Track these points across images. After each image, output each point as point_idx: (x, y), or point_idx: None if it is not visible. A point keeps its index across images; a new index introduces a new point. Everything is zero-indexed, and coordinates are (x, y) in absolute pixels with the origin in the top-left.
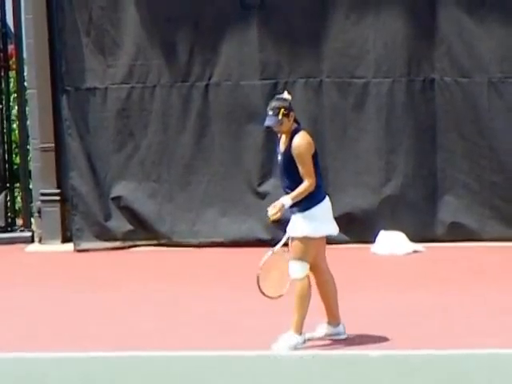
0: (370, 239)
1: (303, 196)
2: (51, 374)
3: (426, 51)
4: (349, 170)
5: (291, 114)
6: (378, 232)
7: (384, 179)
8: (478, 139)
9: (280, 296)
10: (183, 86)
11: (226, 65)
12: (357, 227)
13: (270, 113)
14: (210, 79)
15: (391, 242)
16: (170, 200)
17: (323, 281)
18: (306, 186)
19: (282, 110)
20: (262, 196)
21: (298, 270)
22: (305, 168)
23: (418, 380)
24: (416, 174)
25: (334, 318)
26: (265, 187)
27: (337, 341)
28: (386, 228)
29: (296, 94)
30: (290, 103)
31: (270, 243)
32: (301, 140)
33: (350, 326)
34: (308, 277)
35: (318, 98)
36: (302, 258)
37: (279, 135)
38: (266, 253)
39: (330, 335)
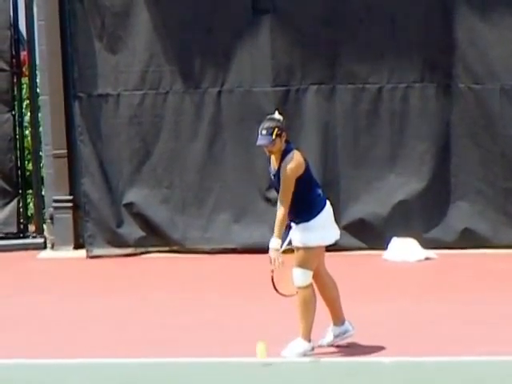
0: (383, 246)
1: (284, 224)
2: (62, 380)
3: (440, 57)
4: (361, 176)
5: (283, 134)
6: (391, 239)
7: (397, 185)
8: (491, 146)
9: (296, 293)
10: (196, 93)
11: (238, 71)
12: (369, 234)
13: (264, 132)
14: (222, 86)
15: (403, 249)
16: (182, 206)
17: (323, 283)
18: (280, 217)
19: (276, 130)
20: (274, 202)
21: (302, 278)
22: (283, 193)
23: None
24: (429, 180)
25: (338, 319)
26: (274, 193)
27: (348, 347)
28: (399, 235)
29: (308, 100)
30: (282, 123)
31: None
32: (291, 164)
33: (362, 333)
34: (312, 284)
35: (330, 105)
36: (305, 266)
37: (268, 154)
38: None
39: (339, 335)
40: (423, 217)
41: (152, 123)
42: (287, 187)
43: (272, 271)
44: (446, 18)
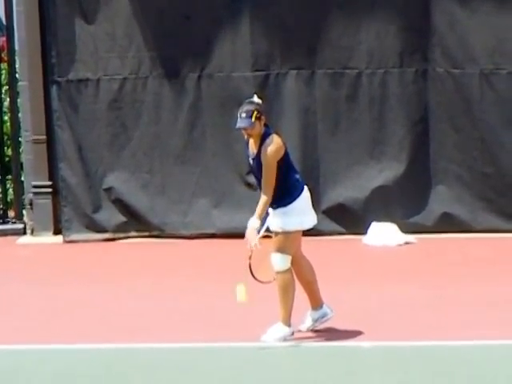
0: (362, 231)
1: (266, 207)
2: (39, 367)
3: (419, 42)
4: (341, 161)
5: (262, 117)
6: (370, 223)
7: (376, 170)
8: (470, 131)
9: (274, 279)
10: (175, 78)
11: (218, 56)
12: (349, 218)
13: (243, 115)
14: (202, 71)
15: (383, 234)
16: (161, 191)
17: (299, 267)
18: (264, 201)
19: (255, 112)
20: (254, 188)
21: (281, 262)
22: (266, 177)
23: (410, 371)
24: (408, 165)
25: (316, 302)
26: (253, 178)
27: (328, 332)
28: (378, 219)
29: (288, 85)
30: (261, 107)
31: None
32: (271, 147)
33: (342, 317)
34: (290, 269)
35: (309, 90)
36: (283, 251)
37: (247, 138)
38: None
39: (318, 319)
40: (402, 201)
41: (132, 108)
42: (270, 170)
43: (250, 257)
44: (424, 2)
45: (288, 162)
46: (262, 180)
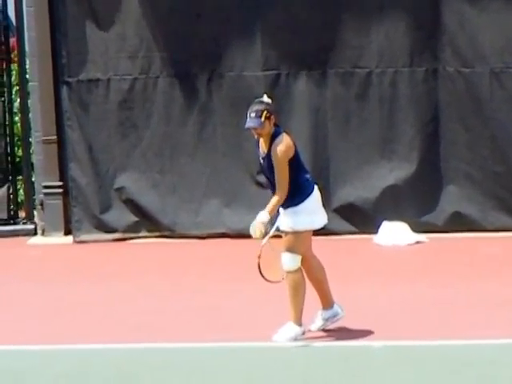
0: (373, 230)
1: (279, 205)
2: (48, 367)
3: (429, 41)
4: (351, 160)
5: (272, 117)
6: (381, 223)
7: (387, 170)
8: (481, 129)
9: (282, 279)
10: (186, 78)
11: (228, 56)
12: (359, 217)
13: (253, 115)
14: (212, 71)
15: (394, 233)
16: (172, 191)
17: (309, 266)
18: (277, 199)
19: (265, 112)
20: (266, 186)
21: (291, 262)
22: (279, 176)
23: (421, 371)
24: (419, 164)
25: (327, 302)
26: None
27: (339, 332)
28: (389, 218)
29: (298, 84)
30: (271, 106)
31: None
32: (281, 146)
33: (353, 317)
34: (301, 268)
35: (320, 89)
36: (294, 251)
37: (257, 137)
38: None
39: (328, 319)
40: (413, 201)
41: (142, 108)
42: (282, 170)
43: (259, 256)
44: (434, 1)
45: (298, 161)
46: (276, 179)
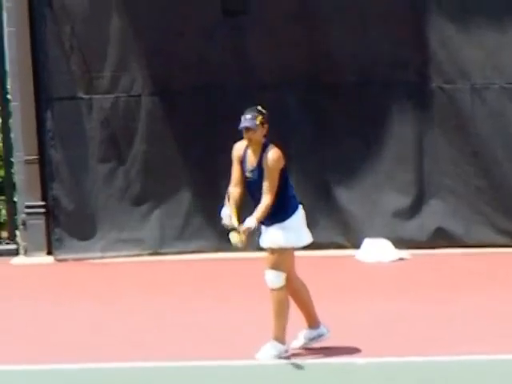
0: (356, 246)
1: (266, 213)
2: None
3: (411, 57)
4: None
5: (265, 125)
6: (363, 239)
7: (369, 185)
8: (463, 145)
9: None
10: (168, 95)
11: (211, 72)
12: (342, 233)
13: (248, 117)
14: (194, 87)
15: (377, 250)
16: (156, 209)
17: (294, 289)
18: (267, 203)
19: (260, 118)
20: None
21: (276, 280)
22: (271, 183)
23: None
24: (402, 179)
25: (313, 321)
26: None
27: (322, 349)
28: (371, 235)
29: (284, 99)
30: (265, 115)
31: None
32: (275, 155)
33: (337, 334)
34: (285, 286)
35: (304, 103)
36: (278, 268)
37: (245, 147)
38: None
39: (313, 338)
40: (396, 216)
41: (124, 127)
42: (274, 178)
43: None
44: (416, 18)
45: (286, 176)
46: (265, 186)
